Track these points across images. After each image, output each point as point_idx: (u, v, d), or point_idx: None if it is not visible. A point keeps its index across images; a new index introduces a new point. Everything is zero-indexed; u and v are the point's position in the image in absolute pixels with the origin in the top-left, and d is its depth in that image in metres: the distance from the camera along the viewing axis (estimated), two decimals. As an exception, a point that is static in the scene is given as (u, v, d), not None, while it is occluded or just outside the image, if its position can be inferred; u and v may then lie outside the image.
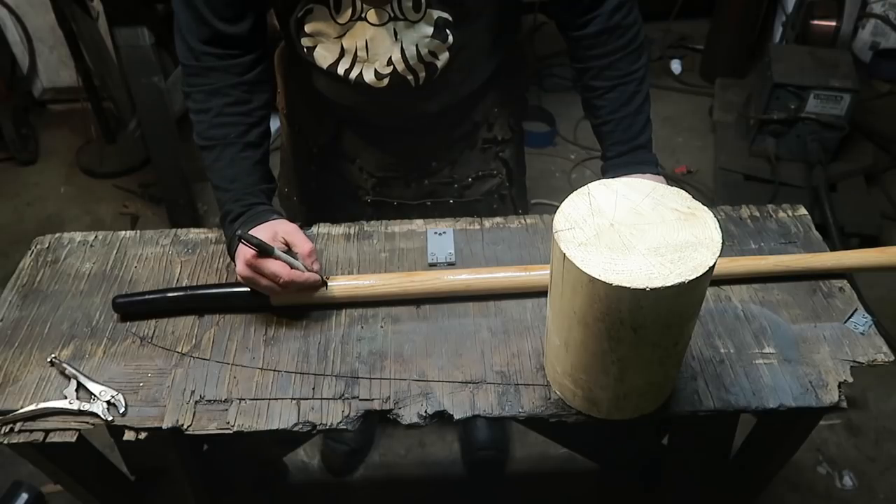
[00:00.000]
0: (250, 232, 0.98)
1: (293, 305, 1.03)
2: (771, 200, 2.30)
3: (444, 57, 1.05)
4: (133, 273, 1.12)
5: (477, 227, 1.18)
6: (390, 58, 1.04)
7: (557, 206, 0.77)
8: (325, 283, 1.02)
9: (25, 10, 2.89)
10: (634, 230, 0.74)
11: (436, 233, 1.16)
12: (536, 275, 1.04)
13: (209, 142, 1.04)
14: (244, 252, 0.94)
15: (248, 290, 1.00)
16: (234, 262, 1.00)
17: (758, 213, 1.20)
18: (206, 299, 1.05)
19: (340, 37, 1.03)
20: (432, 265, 1.11)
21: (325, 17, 1.01)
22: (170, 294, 1.05)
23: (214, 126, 1.03)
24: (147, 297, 1.04)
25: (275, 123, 1.29)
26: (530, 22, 3.32)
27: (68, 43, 2.58)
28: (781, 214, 1.20)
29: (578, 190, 0.79)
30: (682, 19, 3.32)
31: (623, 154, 1.10)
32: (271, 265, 0.94)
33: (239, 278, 0.97)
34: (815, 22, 2.76)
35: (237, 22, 1.01)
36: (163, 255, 1.15)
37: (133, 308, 1.04)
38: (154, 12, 2.22)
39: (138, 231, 1.19)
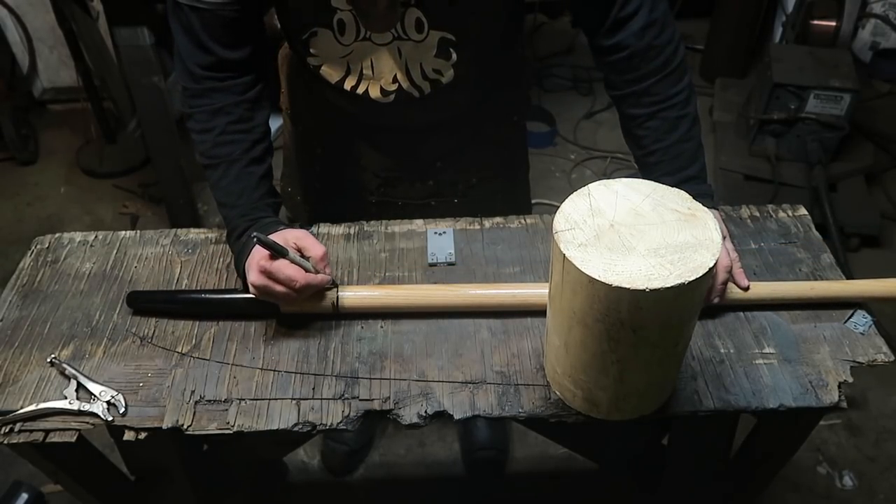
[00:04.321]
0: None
1: (302, 314, 1.02)
2: (771, 200, 2.30)
3: (449, 74, 1.06)
4: (133, 273, 1.12)
5: (477, 226, 1.18)
6: (395, 76, 1.05)
7: (557, 206, 0.77)
8: (335, 286, 1.01)
9: (25, 10, 2.89)
10: (634, 231, 0.74)
11: (436, 233, 1.16)
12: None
13: (214, 160, 1.04)
14: (257, 258, 0.92)
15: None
16: (242, 276, 0.99)
17: (758, 213, 1.20)
18: (218, 304, 1.04)
19: (346, 56, 1.04)
20: (432, 265, 1.11)
21: (329, 39, 1.02)
22: (182, 296, 1.06)
23: (218, 144, 1.03)
24: (161, 297, 1.06)
25: (276, 122, 1.28)
26: (530, 22, 3.32)
27: (68, 43, 2.57)
28: (781, 214, 1.20)
29: (578, 190, 0.79)
30: (682, 19, 3.31)
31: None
32: (287, 269, 0.92)
33: (252, 289, 0.95)
34: (815, 22, 2.76)
35: (239, 48, 1.01)
36: (163, 255, 1.15)
37: (145, 306, 1.05)
38: (154, 12, 2.22)
39: (138, 231, 1.19)
